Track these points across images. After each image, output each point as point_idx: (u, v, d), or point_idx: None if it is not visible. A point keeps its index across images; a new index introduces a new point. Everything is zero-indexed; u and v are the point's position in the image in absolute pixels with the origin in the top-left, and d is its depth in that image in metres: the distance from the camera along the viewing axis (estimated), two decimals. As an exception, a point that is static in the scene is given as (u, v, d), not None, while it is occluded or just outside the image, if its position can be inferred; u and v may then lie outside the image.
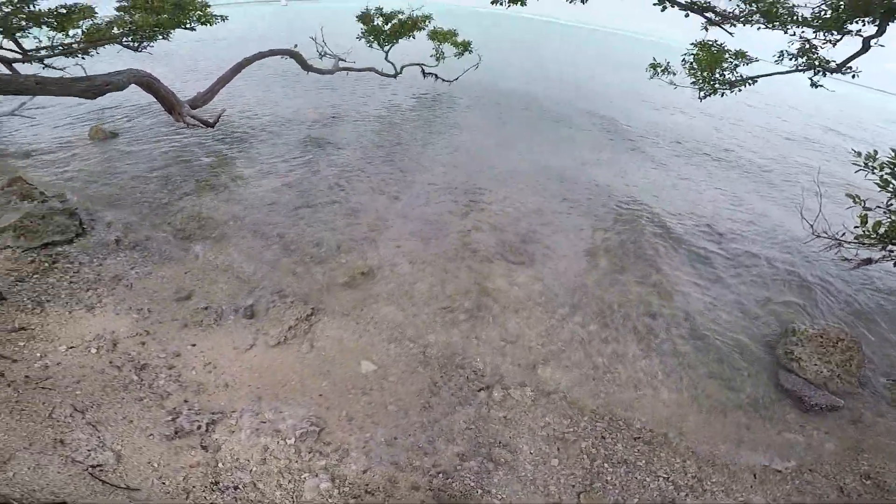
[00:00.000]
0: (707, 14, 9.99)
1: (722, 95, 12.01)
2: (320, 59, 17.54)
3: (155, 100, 10.71)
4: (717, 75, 11.63)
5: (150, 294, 7.03)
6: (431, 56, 21.36)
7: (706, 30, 11.02)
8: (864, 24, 9.20)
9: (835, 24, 9.31)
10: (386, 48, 19.81)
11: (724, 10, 10.10)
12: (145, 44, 13.40)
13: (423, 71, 22.57)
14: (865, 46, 9.40)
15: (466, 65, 22.55)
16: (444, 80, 22.89)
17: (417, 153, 14.13)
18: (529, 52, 54.26)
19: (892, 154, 6.27)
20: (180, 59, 23.23)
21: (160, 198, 9.81)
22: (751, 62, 11.49)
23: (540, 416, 5.93)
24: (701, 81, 11.76)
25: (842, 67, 9.98)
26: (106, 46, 12.81)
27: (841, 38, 9.64)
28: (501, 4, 12.72)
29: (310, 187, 10.99)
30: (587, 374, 6.70)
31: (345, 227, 9.46)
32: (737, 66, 11.53)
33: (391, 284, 7.92)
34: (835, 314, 9.04)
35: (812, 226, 7.52)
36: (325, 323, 6.90)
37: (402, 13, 19.26)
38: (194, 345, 6.19)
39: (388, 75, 20.57)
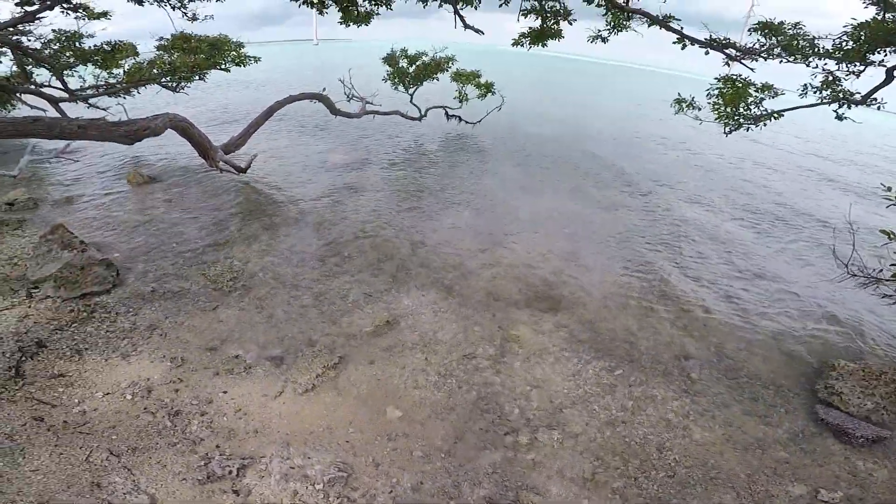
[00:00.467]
0: (727, 50, 10.01)
1: (747, 130, 11.78)
2: (348, 101, 18.23)
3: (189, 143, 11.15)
4: (742, 110, 11.37)
5: (183, 343, 7.24)
6: (455, 98, 21.83)
7: (728, 65, 11.02)
8: (886, 55, 9.05)
9: (857, 56, 9.20)
10: (411, 90, 20.43)
11: (745, 45, 10.03)
12: (183, 84, 14.01)
13: (446, 113, 23.01)
14: (889, 77, 9.25)
15: (490, 106, 22.98)
16: (467, 122, 23.28)
17: (442, 197, 14.42)
18: (552, 90, 55.42)
19: None
20: (215, 100, 24.31)
21: (194, 247, 10.20)
22: (777, 95, 11.19)
23: (569, 458, 5.81)
24: (725, 117, 11.55)
25: (867, 99, 9.74)
26: (146, 86, 13.45)
27: (864, 70, 9.50)
28: (522, 46, 13.05)
29: (338, 235, 11.29)
30: (616, 417, 6.56)
31: (370, 277, 9.64)
32: (762, 99, 11.23)
33: (415, 333, 7.98)
34: (874, 350, 8.75)
35: (847, 265, 7.34)
36: (352, 371, 6.97)
37: (426, 55, 19.86)
38: (225, 392, 6.32)
39: (412, 118, 21.10)
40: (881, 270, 7.24)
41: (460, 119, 23.20)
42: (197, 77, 14.05)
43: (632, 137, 28.07)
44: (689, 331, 8.73)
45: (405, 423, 6.08)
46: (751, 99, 11.16)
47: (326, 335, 7.73)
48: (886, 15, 8.45)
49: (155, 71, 13.23)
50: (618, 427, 6.37)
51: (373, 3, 12.52)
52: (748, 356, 8.17)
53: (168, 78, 13.51)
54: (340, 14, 13.41)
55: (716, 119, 11.76)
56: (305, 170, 15.95)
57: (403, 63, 19.81)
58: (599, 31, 12.44)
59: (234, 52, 14.24)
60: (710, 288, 10.44)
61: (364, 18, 13.40)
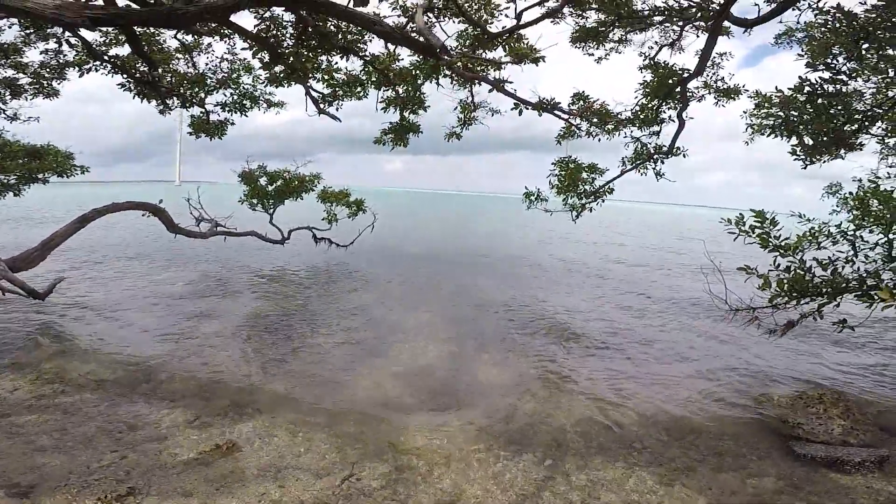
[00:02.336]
0: (555, 112, 10.70)
1: (591, 211, 12.26)
2: (197, 225, 15.80)
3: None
4: (581, 189, 11.92)
5: None
6: (323, 219, 20.31)
7: (559, 143, 11.61)
8: (672, 109, 10.71)
9: (652, 118, 10.63)
10: (270, 211, 18.55)
11: (570, 108, 10.89)
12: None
13: (314, 236, 21.21)
14: (681, 122, 10.64)
15: (362, 226, 21.88)
16: (338, 244, 21.69)
17: (310, 318, 12.33)
18: (426, 218, 58.45)
19: (753, 213, 6.35)
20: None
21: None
22: (603, 173, 11.93)
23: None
24: (569, 195, 11.92)
25: (671, 149, 10.93)
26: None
27: (661, 129, 10.99)
28: (383, 144, 12.86)
29: (161, 363, 8.61)
30: (567, 516, 4.69)
31: (200, 401, 7.16)
32: (594, 178, 11.92)
33: (265, 457, 5.62)
34: (791, 379, 8.62)
35: (727, 301, 7.29)
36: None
37: (288, 172, 17.91)
38: None
39: (273, 241, 18.60)
40: (753, 299, 7.33)
41: (330, 242, 21.59)
42: (9, 192, 11.27)
43: (502, 250, 29.33)
44: (606, 401, 7.76)
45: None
46: (585, 175, 11.79)
47: (116, 464, 5.19)
48: (659, 71, 10.23)
49: None
50: (576, 529, 4.47)
51: (227, 109, 11.46)
52: (681, 412, 7.28)
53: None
54: (190, 124, 12.17)
55: (563, 204, 12.11)
56: (132, 297, 13.02)
57: (262, 181, 18.06)
58: (453, 127, 12.91)
59: (57, 160, 11.65)
60: (610, 358, 9.91)
61: (217, 130, 12.23)
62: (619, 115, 10.78)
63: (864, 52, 5.95)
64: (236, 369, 8.52)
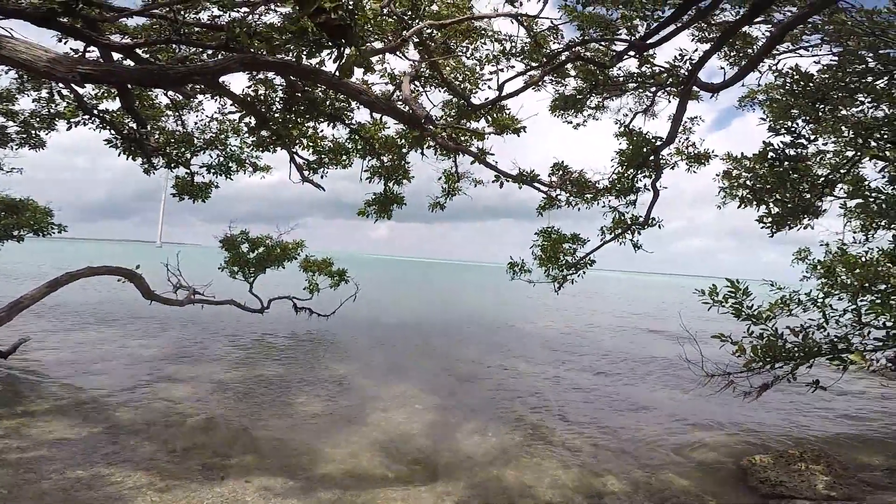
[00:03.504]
0: (534, 184, 10.86)
1: (573, 283, 12.30)
2: (174, 292, 15.46)
3: None
4: (562, 260, 11.98)
5: None
6: (305, 289, 20.04)
7: (541, 214, 11.82)
8: (646, 177, 10.92)
9: (628, 187, 10.87)
10: (251, 280, 18.24)
11: (550, 181, 11.00)
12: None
13: (294, 306, 20.85)
14: (655, 192, 10.91)
15: (343, 296, 21.64)
16: (319, 314, 21.34)
17: (287, 385, 12.00)
18: (410, 286, 58.01)
19: (727, 284, 6.63)
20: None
21: None
22: (585, 243, 12.08)
23: None
24: (550, 268, 11.97)
25: (647, 219, 11.10)
26: None
27: (636, 198, 11.15)
28: (367, 216, 12.86)
29: (127, 425, 8.28)
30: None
31: (165, 464, 6.84)
32: (575, 249, 12.05)
33: (229, 522, 5.33)
34: (770, 438, 8.81)
35: (703, 367, 7.35)
36: None
37: (270, 238, 17.60)
38: None
39: (252, 310, 18.08)
40: (728, 367, 7.35)
41: (311, 312, 21.23)
42: None
43: (484, 321, 29.18)
44: (588, 469, 7.73)
45: None
46: (567, 246, 11.94)
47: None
48: (633, 139, 10.43)
49: None
50: None
51: (212, 171, 11.47)
52: (663, 477, 7.33)
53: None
54: (174, 185, 12.06)
55: (545, 273, 12.16)
56: (103, 359, 12.63)
57: (244, 247, 17.59)
58: (437, 197, 12.95)
59: (38, 217, 11.19)
60: (590, 427, 9.93)
61: (201, 192, 12.17)
62: (597, 184, 11.05)
63: (821, 113, 6.23)
64: (207, 435, 8.21)
